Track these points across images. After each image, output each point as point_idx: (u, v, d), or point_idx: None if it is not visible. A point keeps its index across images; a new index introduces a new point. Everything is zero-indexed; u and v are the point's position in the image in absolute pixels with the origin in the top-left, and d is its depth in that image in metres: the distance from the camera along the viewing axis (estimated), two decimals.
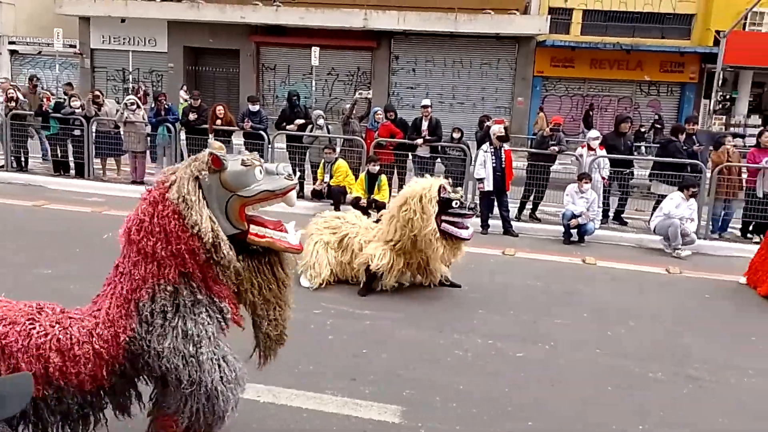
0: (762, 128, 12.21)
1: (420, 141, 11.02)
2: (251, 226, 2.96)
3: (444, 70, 24.53)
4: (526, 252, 8.85)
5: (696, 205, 9.34)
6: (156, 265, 2.78)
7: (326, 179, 10.48)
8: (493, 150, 9.96)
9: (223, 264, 2.83)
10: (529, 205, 10.95)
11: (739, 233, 10.37)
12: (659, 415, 4.44)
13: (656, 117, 23.31)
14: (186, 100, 12.46)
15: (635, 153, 13.03)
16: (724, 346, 5.83)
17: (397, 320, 5.97)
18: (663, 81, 24.53)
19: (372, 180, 9.82)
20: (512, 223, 10.02)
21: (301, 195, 11.29)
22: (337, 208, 10.14)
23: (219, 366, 2.92)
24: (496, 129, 10.53)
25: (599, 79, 24.63)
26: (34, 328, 2.78)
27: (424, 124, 11.23)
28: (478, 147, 10.73)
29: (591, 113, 23.65)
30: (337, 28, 22.99)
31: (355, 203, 9.83)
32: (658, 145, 11.89)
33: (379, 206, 9.81)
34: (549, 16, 22.87)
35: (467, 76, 24.43)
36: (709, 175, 10.13)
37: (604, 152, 10.87)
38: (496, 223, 9.92)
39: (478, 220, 9.63)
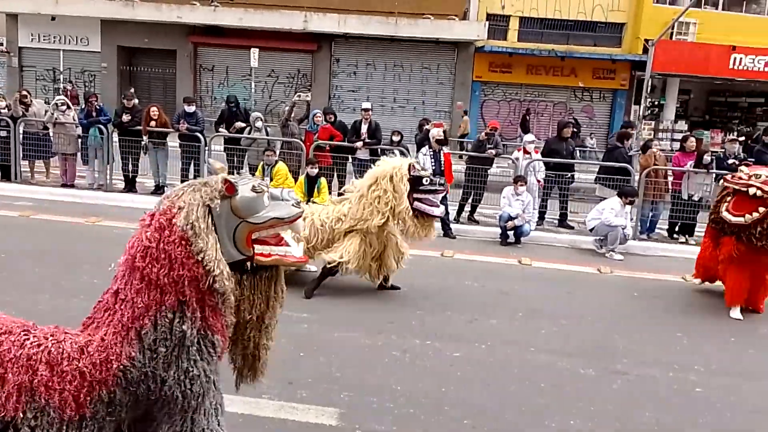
0: (687, 133, 12.77)
1: (359, 144, 11.04)
2: (255, 246, 2.90)
3: (384, 74, 24.65)
4: (464, 253, 8.98)
5: (629, 210, 9.66)
6: (159, 291, 2.70)
7: (267, 182, 10.37)
8: (432, 153, 10.07)
9: (221, 293, 2.76)
10: (467, 208, 11.11)
11: (666, 234, 10.80)
12: (590, 410, 4.58)
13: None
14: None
15: (579, 157, 13.35)
16: (651, 342, 6.06)
17: (335, 323, 5.96)
18: (596, 87, 25.33)
19: (311, 183, 9.74)
20: (451, 225, 10.14)
21: None
22: None
23: (216, 410, 2.91)
24: (436, 132, 10.65)
25: (535, 85, 25.23)
26: (28, 338, 2.71)
27: (364, 127, 11.25)
28: (418, 150, 10.84)
29: (528, 118, 24.23)
30: (277, 29, 22.80)
31: None
32: (604, 150, 12.17)
33: None
34: (487, 23, 23.28)
35: (407, 79, 24.63)
36: (637, 178, 10.52)
37: (539, 156, 11.14)
38: (435, 226, 10.00)
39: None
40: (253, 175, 10.77)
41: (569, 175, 11.06)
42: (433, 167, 9.96)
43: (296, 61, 24.61)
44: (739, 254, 6.73)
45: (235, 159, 11.21)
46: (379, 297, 6.80)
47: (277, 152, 10.85)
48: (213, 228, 2.77)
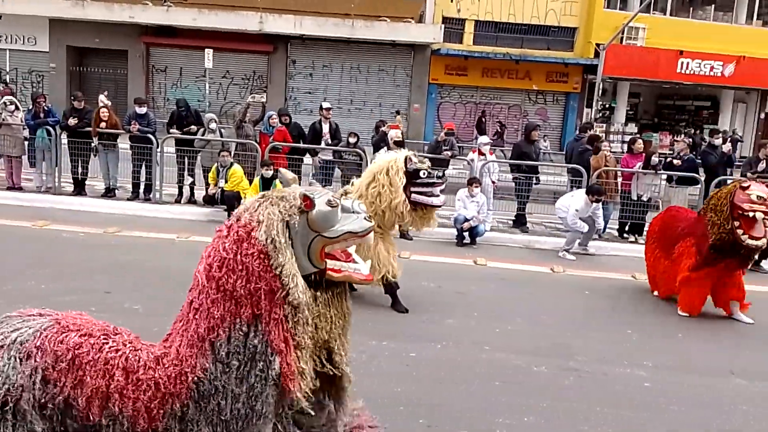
0: (634, 135, 13.10)
1: (326, 143, 10.97)
2: (327, 261, 2.92)
3: (341, 75, 24.62)
4: (420, 254, 9.02)
5: (600, 207, 9.71)
6: (234, 303, 2.72)
7: (220, 184, 10.23)
8: None
9: (294, 305, 2.76)
10: None
11: (616, 233, 11.05)
12: (542, 407, 4.65)
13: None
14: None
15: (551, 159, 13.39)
16: (603, 339, 6.19)
17: None
18: (549, 90, 25.76)
19: (266, 185, 9.69)
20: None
21: (193, 201, 10.99)
22: (230, 214, 9.93)
23: None
24: (393, 134, 10.70)
25: (491, 88, 25.52)
26: (107, 343, 2.76)
27: (325, 127, 11.20)
28: (375, 152, 10.87)
29: (483, 120, 24.54)
30: (232, 30, 22.55)
31: None
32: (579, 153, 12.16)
33: None
34: (443, 26, 23.46)
35: (364, 81, 24.66)
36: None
37: (493, 157, 11.25)
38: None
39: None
40: (207, 177, 10.64)
41: (535, 177, 11.21)
42: None
43: (251, 62, 24.39)
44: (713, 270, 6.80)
45: (187, 161, 11.02)
46: None
47: (232, 154, 10.74)
48: (290, 242, 2.79)
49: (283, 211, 2.79)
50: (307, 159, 11.65)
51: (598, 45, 22.98)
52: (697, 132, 24.26)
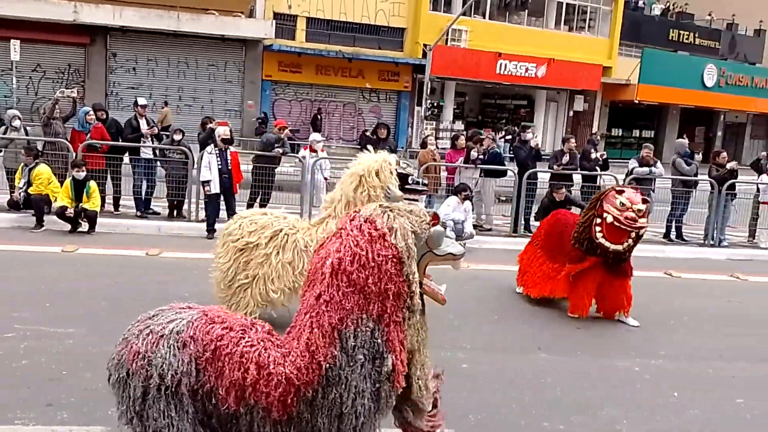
0: (456, 132, 13.84)
1: (154, 130, 10.37)
2: None
3: (168, 70, 23.49)
4: None
5: (470, 206, 9.94)
6: (363, 297, 2.90)
7: (22, 185, 9.33)
8: (218, 152, 9.82)
9: (413, 311, 3.03)
10: (256, 207, 10.96)
11: None
12: None
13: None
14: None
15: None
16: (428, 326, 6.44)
17: (105, 336, 5.53)
18: (382, 89, 26.45)
19: (79, 187, 9.01)
20: None
21: None
22: (39, 219, 9.12)
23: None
24: (222, 131, 10.39)
25: (325, 85, 25.69)
26: (244, 337, 2.92)
27: (142, 122, 10.58)
28: (201, 149, 10.50)
29: (319, 117, 24.66)
30: (42, 20, 20.68)
31: (61, 213, 8.91)
32: None
33: (90, 215, 9.04)
34: (274, 21, 23.21)
35: (193, 77, 23.72)
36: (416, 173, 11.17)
37: (325, 154, 11.33)
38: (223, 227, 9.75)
39: None
40: (12, 179, 9.69)
41: None
42: (220, 166, 9.73)
43: (66, 54, 22.51)
44: (592, 272, 6.83)
45: None
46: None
47: (39, 153, 9.84)
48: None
49: (414, 224, 3.03)
50: (127, 158, 10.96)
51: (425, 46, 23.95)
52: (515, 129, 26.13)
